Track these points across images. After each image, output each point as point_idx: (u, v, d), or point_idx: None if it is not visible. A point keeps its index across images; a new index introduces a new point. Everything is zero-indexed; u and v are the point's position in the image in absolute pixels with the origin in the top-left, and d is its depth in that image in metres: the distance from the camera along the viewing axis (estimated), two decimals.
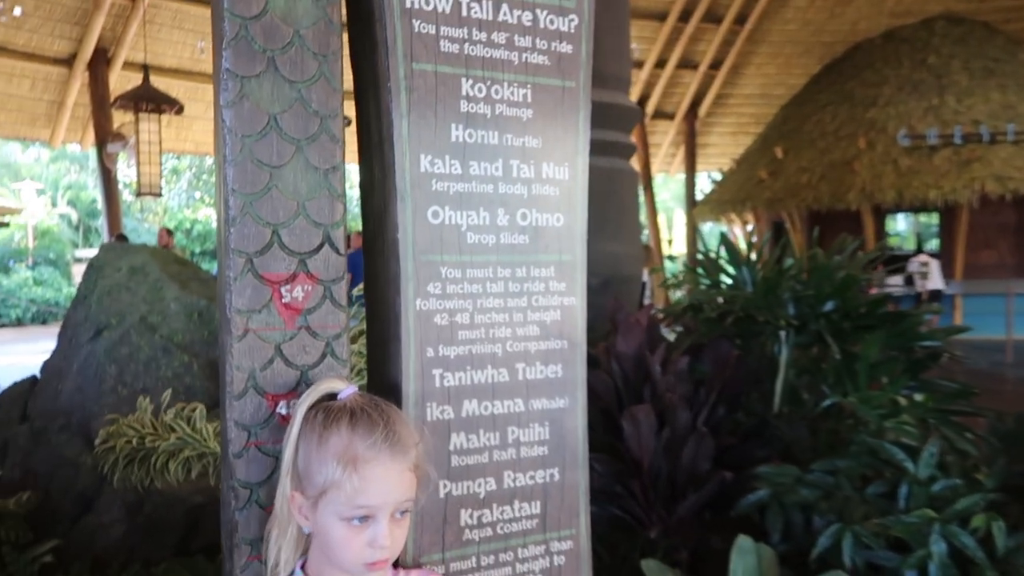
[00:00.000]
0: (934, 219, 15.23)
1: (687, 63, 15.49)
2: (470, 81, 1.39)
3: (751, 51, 15.71)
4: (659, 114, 16.29)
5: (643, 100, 15.70)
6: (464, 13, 1.37)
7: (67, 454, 3.90)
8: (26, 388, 4.73)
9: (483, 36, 1.39)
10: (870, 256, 3.41)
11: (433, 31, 1.35)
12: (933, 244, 15.44)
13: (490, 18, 1.39)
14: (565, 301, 1.47)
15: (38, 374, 4.75)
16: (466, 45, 1.38)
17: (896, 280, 12.55)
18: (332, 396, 1.17)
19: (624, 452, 2.56)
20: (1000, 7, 14.82)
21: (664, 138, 16.90)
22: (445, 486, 1.34)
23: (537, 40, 1.44)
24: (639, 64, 14.85)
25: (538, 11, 1.44)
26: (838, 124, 14.02)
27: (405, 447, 1.14)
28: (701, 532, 2.59)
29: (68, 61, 11.03)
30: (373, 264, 1.42)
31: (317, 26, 1.26)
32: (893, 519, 2.19)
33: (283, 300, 1.22)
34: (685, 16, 14.51)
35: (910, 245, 17.48)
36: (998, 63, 13.71)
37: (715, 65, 15.73)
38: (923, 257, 12.64)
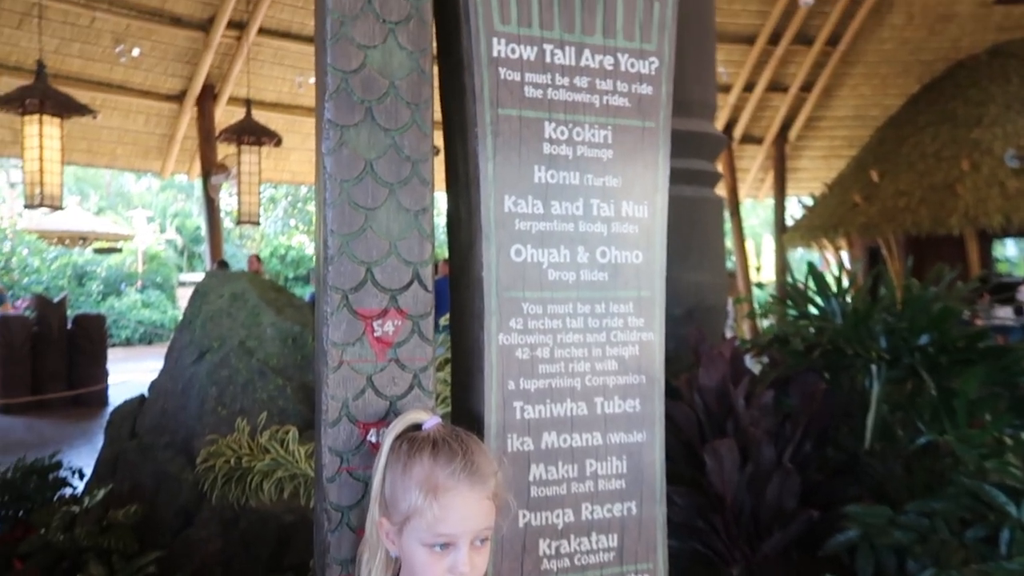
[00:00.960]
0: None
1: (777, 86, 15.18)
2: (553, 124, 1.45)
3: (845, 72, 15.26)
4: (747, 138, 16.00)
5: (731, 124, 15.46)
6: (548, 59, 1.43)
7: (171, 470, 4.13)
8: (135, 406, 5.04)
9: (566, 81, 1.45)
10: (970, 287, 3.27)
11: (518, 78, 1.41)
12: None
13: (573, 63, 1.45)
14: (643, 336, 1.50)
15: (146, 392, 5.06)
16: (549, 90, 1.44)
17: (1005, 310, 11.85)
18: (417, 427, 1.23)
19: (706, 486, 2.54)
20: None
21: (752, 163, 16.57)
22: (524, 516, 1.38)
23: (618, 83, 1.49)
24: (727, 88, 14.66)
25: (619, 55, 1.49)
26: (939, 145, 13.43)
27: (484, 477, 1.18)
28: (787, 571, 2.53)
29: (179, 97, 11.78)
30: (459, 299, 1.49)
31: (410, 77, 1.34)
32: (994, 565, 2.09)
33: (375, 334, 1.30)
34: (775, 39, 14.25)
35: (1021, 271, 16.48)
36: None
37: (806, 87, 15.36)
38: None
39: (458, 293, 1.50)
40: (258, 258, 13.19)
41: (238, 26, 11.31)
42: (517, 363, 1.40)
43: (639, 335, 1.49)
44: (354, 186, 1.31)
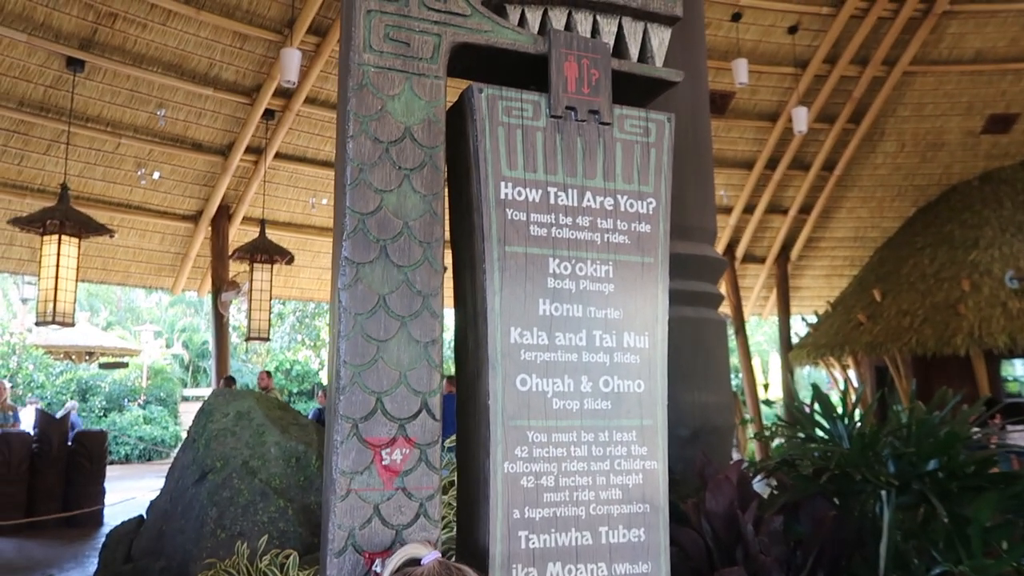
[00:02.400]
0: None
1: (776, 208, 15.61)
2: (557, 260, 1.53)
3: (841, 195, 15.72)
4: (749, 258, 16.30)
5: (733, 244, 15.80)
6: (552, 201, 1.53)
7: None
8: (132, 528, 4.94)
9: (569, 220, 1.54)
10: (974, 410, 3.28)
11: (524, 218, 1.51)
12: None
13: (575, 204, 1.55)
14: (647, 465, 1.52)
15: (144, 514, 4.97)
16: (553, 229, 1.53)
17: (1019, 431, 11.66)
18: (416, 561, 1.23)
19: None
20: None
21: (755, 281, 16.81)
22: None
23: (618, 222, 1.58)
24: (728, 210, 15.08)
25: (619, 196, 1.59)
26: (938, 267, 13.66)
27: None
28: None
29: (195, 217, 12.16)
30: (465, 426, 1.52)
31: (423, 218, 1.44)
32: None
33: (383, 462, 1.33)
34: (772, 164, 14.79)
35: None
36: None
37: (805, 209, 15.78)
38: None
39: (464, 421, 1.53)
40: (268, 374, 13.18)
41: (255, 151, 11.83)
42: (522, 491, 1.42)
43: (642, 463, 1.52)
44: (367, 319, 1.37)
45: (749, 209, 15.43)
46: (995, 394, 13.12)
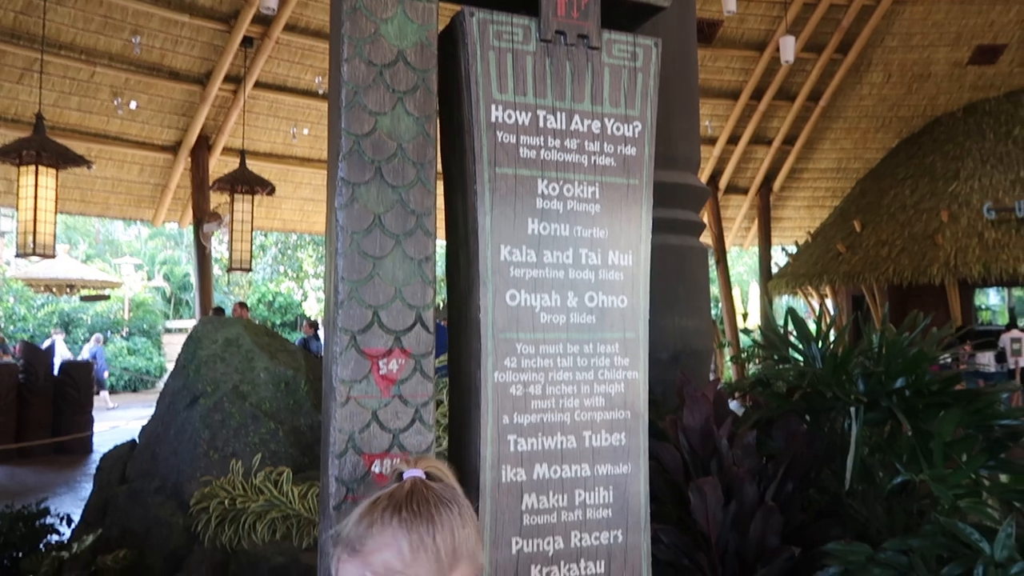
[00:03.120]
0: None
1: (760, 139, 15.60)
2: (545, 181, 1.59)
3: (826, 127, 15.72)
4: (732, 188, 16.36)
5: (716, 175, 15.83)
6: (541, 124, 1.58)
7: (161, 514, 4.15)
8: (125, 451, 5.06)
9: (557, 143, 1.59)
10: (944, 332, 3.40)
11: (514, 140, 1.56)
12: None
13: (563, 127, 1.60)
14: (629, 375, 1.61)
15: (136, 438, 5.09)
16: (542, 151, 1.58)
17: (987, 357, 12.04)
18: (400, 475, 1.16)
19: (691, 525, 2.61)
20: None
21: (738, 212, 16.91)
22: (517, 543, 1.47)
23: (605, 144, 1.64)
24: (712, 141, 15.05)
25: (606, 120, 1.64)
26: (918, 198, 13.81)
27: (438, 557, 1.07)
28: None
29: (174, 148, 11.97)
30: (457, 340, 1.60)
31: (417, 140, 1.48)
32: None
33: (380, 372, 1.41)
34: (758, 94, 14.71)
35: (1003, 320, 16.74)
36: None
37: (789, 140, 15.79)
38: (1016, 333, 12.12)
39: (456, 335, 1.61)
40: (243, 305, 13.20)
41: (234, 80, 11.58)
42: (511, 399, 1.51)
43: (625, 373, 1.61)
44: (363, 237, 1.43)
45: (733, 140, 15.41)
46: (967, 322, 13.48)
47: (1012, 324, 13.48)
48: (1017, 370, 11.55)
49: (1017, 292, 16.66)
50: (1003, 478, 2.89)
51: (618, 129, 1.65)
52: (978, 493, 2.69)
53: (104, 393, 16.71)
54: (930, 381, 3.06)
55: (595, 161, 1.63)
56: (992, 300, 19.52)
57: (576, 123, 1.61)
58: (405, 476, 1.14)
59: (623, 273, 1.64)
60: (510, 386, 1.51)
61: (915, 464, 2.90)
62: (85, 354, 17.24)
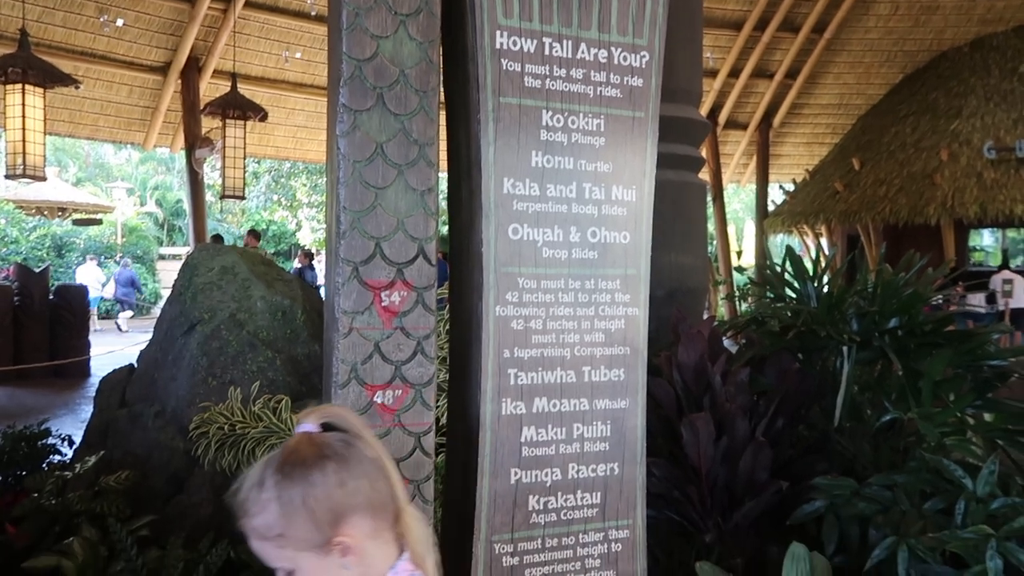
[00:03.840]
0: (1022, 235, 14.66)
1: (762, 72, 15.31)
2: (550, 112, 1.55)
3: (829, 60, 15.41)
4: (732, 124, 16.14)
5: (716, 109, 15.59)
6: (547, 52, 1.53)
7: (162, 438, 4.20)
8: (124, 376, 5.08)
9: (563, 72, 1.55)
10: (939, 272, 3.41)
11: (519, 68, 1.51)
12: (1021, 260, 14.85)
13: (569, 56, 1.55)
14: (629, 311, 1.61)
15: (134, 363, 5.11)
16: (547, 81, 1.54)
17: (977, 298, 12.14)
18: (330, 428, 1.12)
19: (683, 459, 2.66)
20: None
21: (736, 148, 16.73)
22: (516, 473, 1.50)
23: (611, 75, 1.59)
24: (713, 73, 14.76)
25: (613, 49, 1.59)
26: (919, 136, 13.65)
27: (251, 521, 1.07)
28: (757, 540, 2.67)
29: (163, 69, 11.68)
30: (458, 273, 1.59)
31: (419, 66, 1.44)
32: (949, 534, 2.23)
33: (382, 304, 1.40)
34: (762, 25, 14.35)
35: (996, 261, 16.82)
36: None
37: (791, 74, 15.50)
38: (1007, 274, 12.19)
39: (458, 268, 1.60)
40: (255, 234, 13.08)
41: None
42: (512, 333, 1.51)
43: (625, 310, 1.61)
44: (366, 167, 1.41)
45: (734, 73, 15.13)
46: (961, 263, 13.54)
47: (1004, 265, 13.54)
48: (1007, 311, 11.66)
49: (1011, 233, 16.68)
50: (988, 417, 2.94)
51: (625, 59, 1.61)
52: (963, 431, 2.75)
53: (125, 315, 17.19)
54: (923, 322, 3.08)
55: (601, 92, 1.59)
56: (986, 241, 19.58)
57: (583, 52, 1.57)
58: (297, 431, 1.10)
59: (626, 208, 1.63)
60: (511, 320, 1.51)
61: (903, 403, 2.94)
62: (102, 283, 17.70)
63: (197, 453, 3.65)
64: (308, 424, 1.09)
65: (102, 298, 18.55)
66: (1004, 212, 12.01)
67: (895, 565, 2.21)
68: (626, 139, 1.62)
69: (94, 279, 18.15)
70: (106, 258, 22.68)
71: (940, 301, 6.59)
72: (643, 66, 1.63)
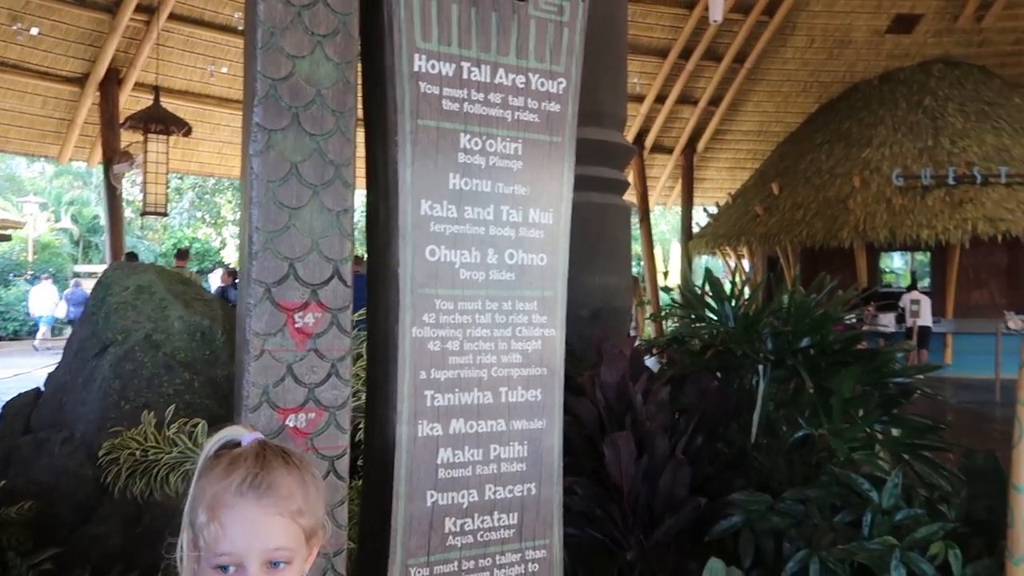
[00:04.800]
0: (928, 258, 15.46)
1: (687, 99, 15.80)
2: (468, 136, 1.56)
3: (750, 89, 16.03)
4: (658, 147, 16.58)
5: (642, 134, 15.98)
6: (465, 76, 1.55)
7: (69, 465, 4.01)
8: (30, 400, 4.84)
9: (481, 96, 1.57)
10: (849, 294, 3.55)
11: (437, 91, 1.52)
12: (926, 282, 15.66)
13: (487, 80, 1.57)
14: (546, 332, 1.63)
15: (41, 387, 4.87)
16: (465, 104, 1.56)
17: (888, 317, 12.72)
18: (236, 443, 1.13)
19: (605, 477, 2.69)
20: (997, 52, 15.20)
21: (662, 171, 17.17)
22: (432, 496, 1.49)
23: (529, 100, 1.62)
24: (639, 99, 15.15)
25: (530, 75, 1.62)
26: (833, 163, 14.30)
27: (276, 494, 1.08)
28: (677, 556, 2.71)
29: (80, 80, 11.27)
30: (375, 294, 1.58)
31: (336, 86, 1.43)
32: (857, 545, 2.31)
33: (296, 325, 1.38)
34: (686, 54, 14.85)
35: (905, 282, 17.67)
36: (993, 106, 14.06)
37: (714, 101, 16.05)
38: (915, 294, 12.82)
39: (374, 289, 1.59)
40: (182, 254, 12.41)
41: (147, 10, 10.94)
42: (429, 355, 1.51)
43: (542, 331, 1.63)
44: (280, 186, 1.39)
45: (660, 99, 15.56)
46: (872, 284, 14.17)
47: (912, 286, 14.25)
48: (915, 329, 12.24)
49: (919, 256, 17.56)
50: (894, 432, 3.08)
51: (543, 85, 1.64)
52: (872, 446, 2.86)
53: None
54: (833, 341, 3.21)
55: (519, 117, 1.62)
56: (896, 264, 20.57)
57: (500, 76, 1.59)
58: (245, 442, 1.12)
59: (543, 231, 1.65)
60: (428, 342, 1.51)
61: (816, 419, 3.05)
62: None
63: (107, 480, 3.50)
64: (257, 434, 1.12)
65: (55, 318, 18.07)
66: (912, 236, 12.66)
67: None
68: (543, 163, 1.65)
69: (47, 299, 17.73)
70: (15, 276, 21.59)
71: (853, 320, 6.88)
72: (560, 92, 1.66)
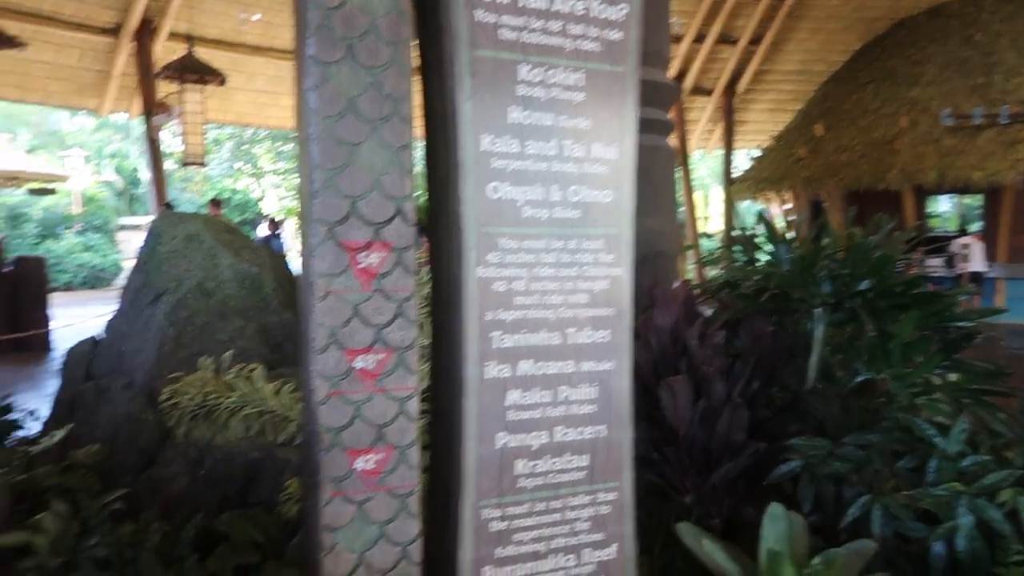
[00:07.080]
0: (978, 201, 14.96)
1: (726, 38, 15.29)
2: (527, 66, 1.49)
3: (792, 27, 15.44)
4: (697, 90, 16.13)
5: (681, 75, 15.55)
6: (521, 3, 1.47)
7: (131, 410, 4.11)
8: (88, 348, 4.95)
9: (539, 24, 1.49)
10: (906, 235, 3.43)
11: (493, 20, 1.45)
12: (976, 226, 15.18)
13: (546, 7, 1.49)
14: (613, 272, 1.58)
15: (97, 336, 4.98)
16: (523, 33, 1.48)
17: (936, 261, 12.40)
18: None
19: (660, 421, 2.67)
20: None
21: (702, 114, 16.75)
22: (502, 438, 1.47)
23: (589, 28, 1.54)
24: (678, 39, 14.70)
25: (591, 0, 1.53)
26: (879, 103, 13.78)
27: None
28: (734, 500, 2.69)
29: (114, 31, 11.25)
30: (437, 234, 1.54)
31: (390, 16, 1.37)
32: (922, 491, 2.26)
33: (360, 265, 1.35)
34: None
35: (953, 226, 17.18)
36: None
37: (755, 40, 15.50)
38: (965, 239, 12.45)
39: (436, 229, 1.55)
40: (216, 202, 12.79)
41: None
42: (494, 295, 1.47)
43: (609, 270, 1.58)
44: (337, 122, 1.34)
45: (699, 39, 15.08)
46: (920, 228, 13.77)
47: (962, 231, 13.82)
48: (964, 274, 11.92)
49: (967, 200, 17.01)
50: (953, 377, 2.99)
51: (603, 11, 1.56)
52: (932, 391, 2.79)
53: None
54: (893, 284, 3.11)
55: (579, 45, 1.54)
56: (943, 207, 19.97)
57: (559, 3, 1.51)
58: None
59: (608, 167, 1.59)
60: (492, 282, 1.47)
61: (874, 364, 2.97)
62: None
63: (169, 425, 3.58)
64: None
65: None
66: (961, 179, 12.21)
67: (869, 523, 2.25)
68: (606, 94, 1.58)
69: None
70: (64, 228, 22.06)
71: (900, 267, 6.70)
72: (622, 19, 1.58)
